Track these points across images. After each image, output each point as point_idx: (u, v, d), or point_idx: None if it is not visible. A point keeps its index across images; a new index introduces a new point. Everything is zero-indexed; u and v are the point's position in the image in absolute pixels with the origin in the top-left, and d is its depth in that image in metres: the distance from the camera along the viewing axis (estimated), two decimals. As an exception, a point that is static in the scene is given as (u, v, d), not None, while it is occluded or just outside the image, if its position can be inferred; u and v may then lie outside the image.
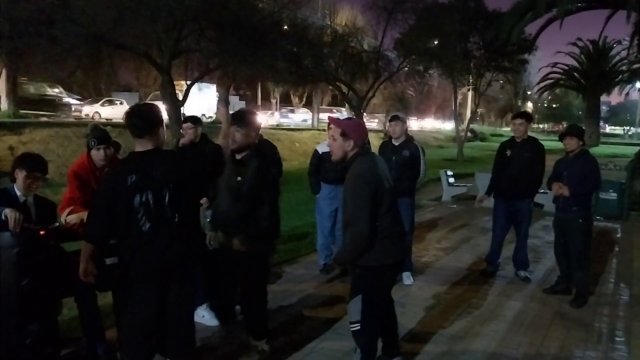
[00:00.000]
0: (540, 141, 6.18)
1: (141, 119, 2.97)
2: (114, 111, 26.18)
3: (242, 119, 3.81)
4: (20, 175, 3.54)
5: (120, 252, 3.09)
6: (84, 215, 4.11)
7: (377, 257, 3.32)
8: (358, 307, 3.38)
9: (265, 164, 3.88)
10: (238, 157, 3.81)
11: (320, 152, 5.99)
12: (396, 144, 5.79)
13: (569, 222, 5.34)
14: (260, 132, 5.24)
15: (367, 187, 3.25)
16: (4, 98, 19.85)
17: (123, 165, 3.09)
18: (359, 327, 3.40)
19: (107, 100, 28.77)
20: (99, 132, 4.34)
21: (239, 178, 3.74)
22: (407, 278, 5.89)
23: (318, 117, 37.65)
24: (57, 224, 3.92)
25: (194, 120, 5.62)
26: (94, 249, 3.07)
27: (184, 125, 5.57)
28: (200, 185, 3.28)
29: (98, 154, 4.18)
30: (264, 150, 4.28)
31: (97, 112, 26.59)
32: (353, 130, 3.38)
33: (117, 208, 2.89)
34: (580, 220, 5.31)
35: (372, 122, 41.31)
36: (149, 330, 3.06)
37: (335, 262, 3.62)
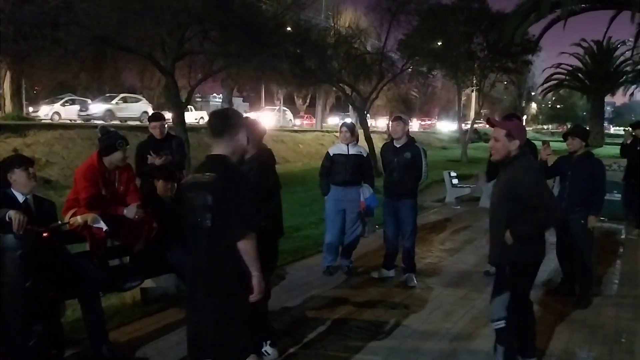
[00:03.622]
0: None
1: (218, 121, 3.03)
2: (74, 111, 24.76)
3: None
4: (16, 175, 3.56)
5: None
6: (87, 217, 4.15)
7: (535, 253, 3.53)
8: (504, 303, 3.49)
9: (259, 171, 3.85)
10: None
11: (332, 155, 6.01)
12: (398, 145, 5.80)
13: (572, 223, 5.32)
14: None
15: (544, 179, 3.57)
16: (8, 100, 19.92)
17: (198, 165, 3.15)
18: (504, 324, 3.50)
19: (70, 99, 26.85)
20: (120, 135, 4.46)
21: None
22: (410, 279, 5.89)
23: (322, 120, 37.73)
24: (59, 222, 3.95)
25: (158, 117, 5.98)
26: None
27: (150, 124, 5.91)
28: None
29: (121, 156, 4.30)
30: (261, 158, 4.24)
31: (56, 113, 24.52)
32: (518, 130, 3.54)
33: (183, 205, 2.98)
34: (583, 221, 5.28)
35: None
36: (193, 334, 3.04)
37: (513, 235, 3.43)
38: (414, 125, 47.55)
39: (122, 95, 27.05)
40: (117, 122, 23.07)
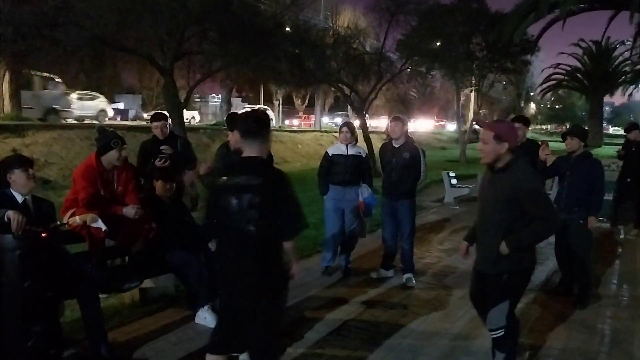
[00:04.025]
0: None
1: (255, 124, 3.06)
2: None
3: (231, 122, 3.86)
4: (16, 175, 3.57)
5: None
6: (86, 217, 4.15)
7: (532, 259, 3.53)
8: (503, 312, 3.45)
9: None
10: None
11: (331, 155, 6.02)
12: (396, 145, 5.81)
13: (570, 223, 5.32)
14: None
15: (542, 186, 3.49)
16: (7, 101, 19.89)
17: (229, 166, 3.20)
18: (503, 333, 3.47)
19: None
20: (116, 134, 4.47)
21: None
22: (409, 280, 5.90)
23: (320, 120, 37.75)
24: (58, 222, 3.95)
25: (160, 117, 5.84)
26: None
27: (153, 124, 5.78)
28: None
29: (118, 155, 4.31)
30: None
31: None
32: (507, 133, 3.41)
33: (216, 207, 2.99)
34: (582, 221, 5.28)
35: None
36: (228, 329, 3.10)
37: (513, 247, 3.37)
38: (429, 124, 48.05)
39: (77, 92, 23.57)
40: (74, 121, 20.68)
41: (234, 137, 3.80)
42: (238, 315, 3.08)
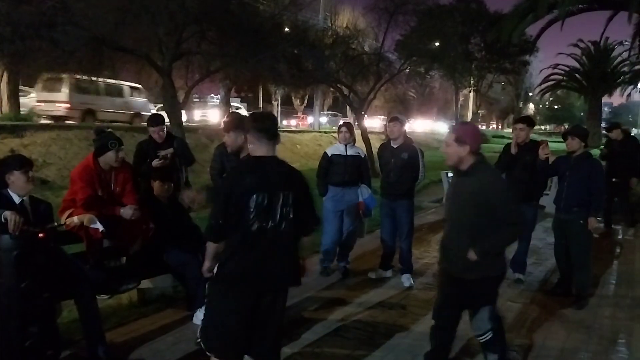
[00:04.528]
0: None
1: (273, 124, 3.12)
2: None
3: (231, 123, 3.89)
4: (15, 176, 3.56)
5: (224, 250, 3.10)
6: (84, 218, 4.15)
7: (504, 264, 3.56)
8: (487, 316, 3.47)
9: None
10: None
11: (330, 155, 6.01)
12: (395, 146, 5.81)
13: (570, 223, 5.32)
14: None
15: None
16: (5, 101, 19.84)
17: (244, 166, 3.17)
18: (491, 335, 3.48)
19: None
20: (114, 135, 4.46)
21: None
22: (407, 280, 5.89)
23: (319, 120, 37.72)
24: (55, 223, 3.94)
25: (158, 121, 5.82)
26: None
27: (150, 128, 5.79)
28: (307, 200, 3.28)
29: (115, 156, 4.30)
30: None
31: None
32: (469, 135, 3.36)
33: (233, 207, 2.94)
34: (581, 222, 5.26)
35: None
36: (240, 331, 3.05)
37: (480, 254, 3.31)
38: (426, 124, 48.21)
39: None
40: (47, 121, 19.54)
41: (230, 138, 3.78)
42: (252, 316, 3.06)
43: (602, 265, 6.85)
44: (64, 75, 17.49)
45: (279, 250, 3.04)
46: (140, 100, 22.73)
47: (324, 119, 41.59)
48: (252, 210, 2.93)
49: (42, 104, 19.00)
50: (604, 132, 10.04)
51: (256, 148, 3.04)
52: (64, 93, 18.72)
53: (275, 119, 3.23)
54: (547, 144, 5.49)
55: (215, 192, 3.12)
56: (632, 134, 9.79)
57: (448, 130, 3.60)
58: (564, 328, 4.80)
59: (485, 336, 3.49)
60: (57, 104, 18.65)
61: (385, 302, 5.34)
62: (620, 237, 8.93)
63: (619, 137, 9.26)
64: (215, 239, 3.06)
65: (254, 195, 2.92)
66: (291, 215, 3.03)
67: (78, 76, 16.89)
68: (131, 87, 22.12)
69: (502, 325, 3.68)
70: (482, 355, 3.68)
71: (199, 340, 3.54)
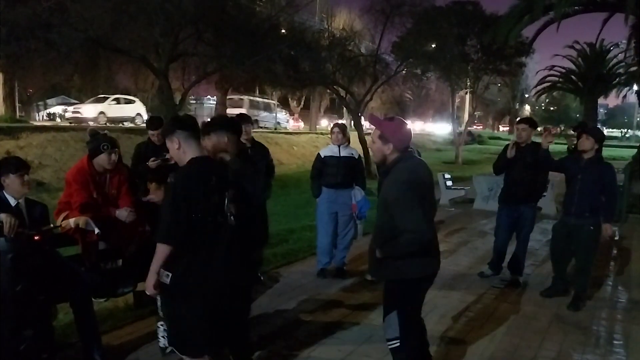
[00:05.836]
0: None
1: (195, 124, 3.15)
2: None
3: (209, 126, 3.78)
4: (10, 179, 3.53)
5: (177, 257, 2.92)
6: (79, 220, 4.12)
7: (410, 271, 3.14)
8: (395, 322, 3.19)
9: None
10: None
11: (323, 156, 5.99)
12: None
13: (580, 228, 5.21)
14: (251, 136, 5.44)
15: (414, 193, 3.02)
16: (0, 103, 19.82)
17: (199, 167, 2.99)
18: (398, 344, 3.20)
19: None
20: (108, 137, 4.42)
21: None
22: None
23: (316, 122, 37.78)
24: (51, 225, 3.92)
25: (157, 125, 5.70)
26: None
27: (149, 131, 5.72)
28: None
29: (108, 158, 4.25)
30: (247, 154, 4.23)
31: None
32: (392, 133, 3.17)
33: (193, 209, 2.85)
34: (592, 227, 5.16)
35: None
36: (211, 329, 3.01)
37: (382, 255, 3.16)
38: (422, 126, 48.46)
39: (114, 96, 26.10)
40: (111, 124, 22.60)
41: (210, 142, 3.56)
42: (223, 313, 3.09)
43: (599, 267, 6.82)
44: (243, 96, 31.20)
45: (234, 249, 3.06)
46: (281, 113, 36.59)
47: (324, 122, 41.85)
48: (209, 210, 2.91)
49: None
50: (571, 131, 9.98)
51: (187, 150, 2.99)
52: (244, 109, 28.16)
53: (194, 120, 3.21)
54: (550, 132, 5.37)
55: (173, 192, 2.91)
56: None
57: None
58: (561, 329, 4.79)
59: (393, 343, 3.22)
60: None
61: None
62: (617, 238, 8.93)
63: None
64: (175, 242, 2.85)
65: (209, 195, 2.92)
66: (235, 212, 3.07)
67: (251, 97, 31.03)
68: (275, 104, 34.22)
69: (415, 339, 3.36)
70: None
71: (168, 350, 3.59)
